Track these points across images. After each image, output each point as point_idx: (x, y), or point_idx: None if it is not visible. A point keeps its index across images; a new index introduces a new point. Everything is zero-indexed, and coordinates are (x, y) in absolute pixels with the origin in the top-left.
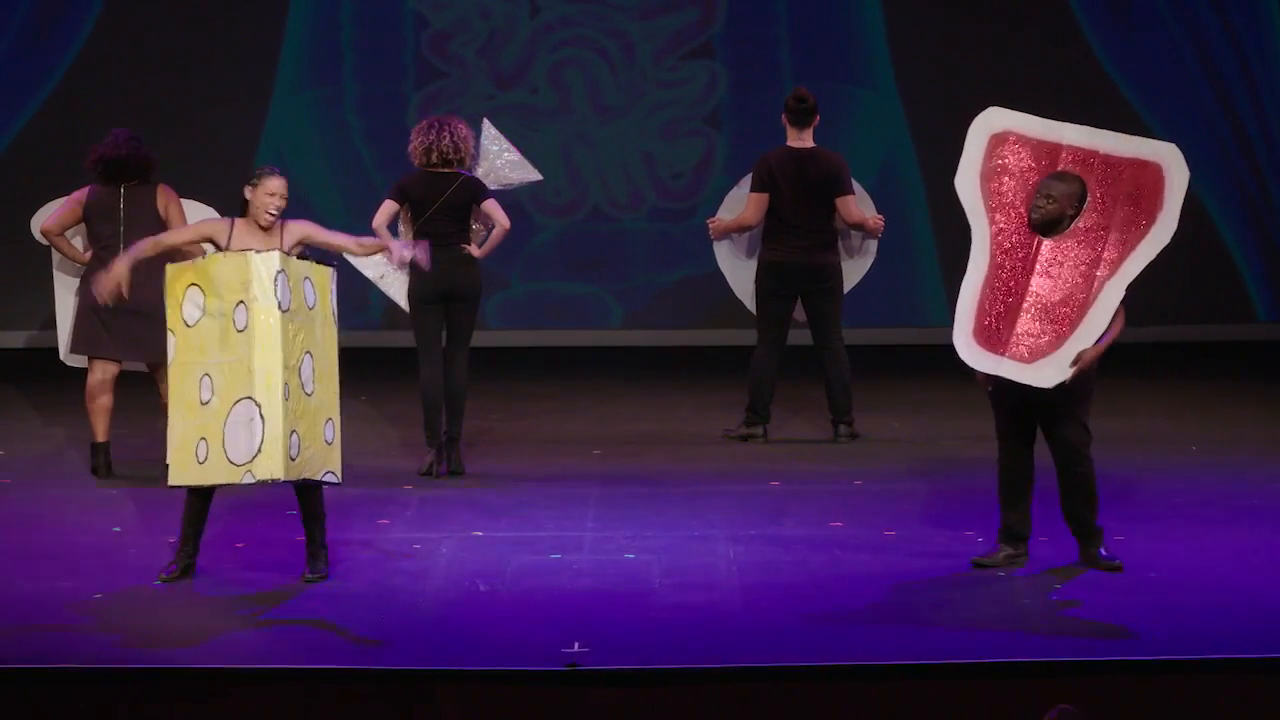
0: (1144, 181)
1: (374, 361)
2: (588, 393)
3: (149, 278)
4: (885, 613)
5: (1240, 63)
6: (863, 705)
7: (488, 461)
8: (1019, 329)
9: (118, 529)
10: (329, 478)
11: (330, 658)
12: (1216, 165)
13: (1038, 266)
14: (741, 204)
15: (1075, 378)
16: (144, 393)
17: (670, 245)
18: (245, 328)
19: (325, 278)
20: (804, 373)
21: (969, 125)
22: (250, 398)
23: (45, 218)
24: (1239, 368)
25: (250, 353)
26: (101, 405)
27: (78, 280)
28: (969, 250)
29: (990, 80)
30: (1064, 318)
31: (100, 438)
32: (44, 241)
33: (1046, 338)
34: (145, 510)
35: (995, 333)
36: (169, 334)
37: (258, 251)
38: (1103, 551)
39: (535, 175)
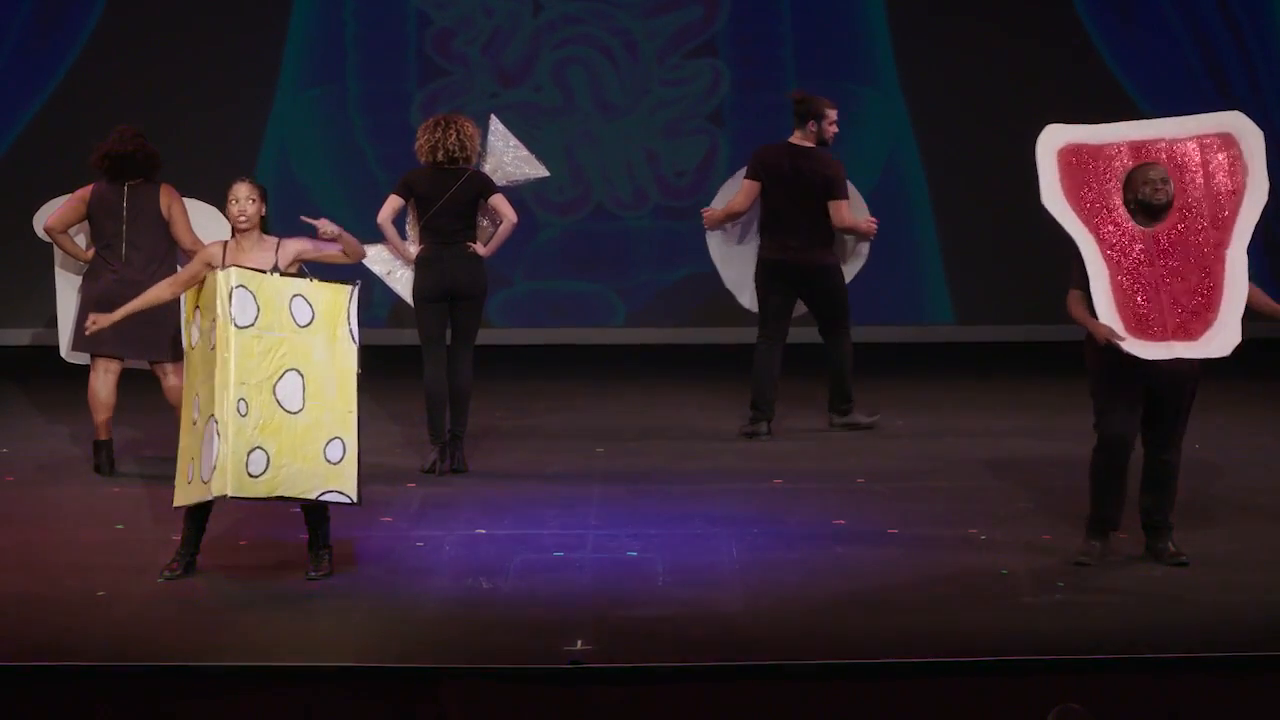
0: (1220, 152)
1: (379, 359)
2: (591, 390)
3: (152, 278)
4: (887, 611)
5: (1243, 60)
6: (865, 703)
7: (491, 459)
8: (1171, 316)
9: (120, 526)
10: (332, 498)
11: (333, 655)
12: None
13: (1159, 255)
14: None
15: (1201, 371)
16: (146, 391)
17: (673, 243)
18: (215, 345)
19: (339, 297)
20: (809, 369)
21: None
22: (213, 415)
23: (48, 215)
24: (1241, 365)
25: (215, 369)
26: (104, 404)
27: (80, 278)
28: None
29: (993, 78)
30: (1207, 290)
31: (103, 436)
32: (46, 239)
33: (1201, 315)
34: (147, 508)
35: (1149, 324)
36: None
37: (222, 269)
38: (1171, 546)
39: (542, 171)
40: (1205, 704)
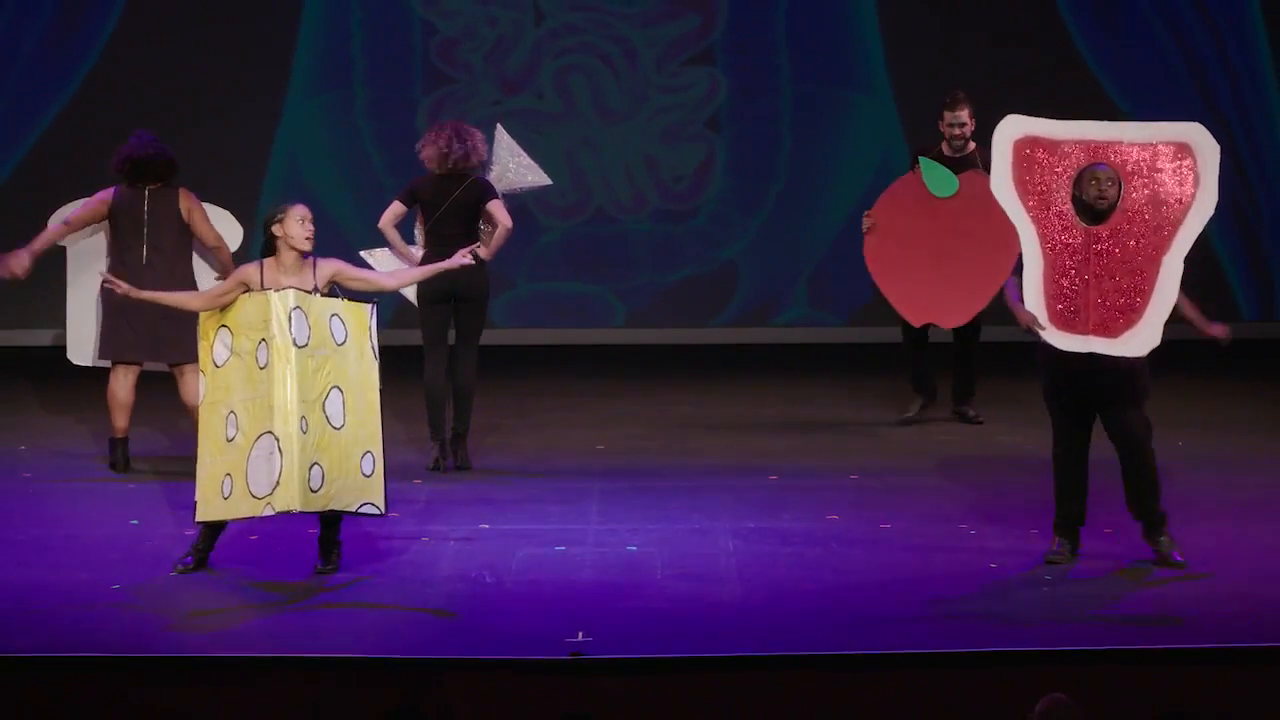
0: (1173, 161)
1: (383, 358)
2: (591, 390)
3: (171, 280)
4: (881, 604)
5: (1224, 67)
6: (857, 693)
7: (494, 457)
8: (1096, 313)
9: (135, 521)
10: (369, 509)
11: (340, 646)
12: None
13: (1095, 254)
14: None
15: (1135, 367)
16: (163, 391)
17: (672, 246)
18: (266, 364)
19: (362, 315)
20: (806, 368)
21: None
22: (270, 432)
23: (66, 214)
24: (1224, 365)
25: (270, 388)
26: (122, 403)
27: (97, 285)
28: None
29: (982, 85)
30: (1136, 293)
31: (119, 433)
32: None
33: (1125, 315)
34: (162, 503)
35: (1073, 317)
36: (200, 375)
37: (276, 290)
38: (1163, 543)
39: (545, 180)
40: (1191, 696)
